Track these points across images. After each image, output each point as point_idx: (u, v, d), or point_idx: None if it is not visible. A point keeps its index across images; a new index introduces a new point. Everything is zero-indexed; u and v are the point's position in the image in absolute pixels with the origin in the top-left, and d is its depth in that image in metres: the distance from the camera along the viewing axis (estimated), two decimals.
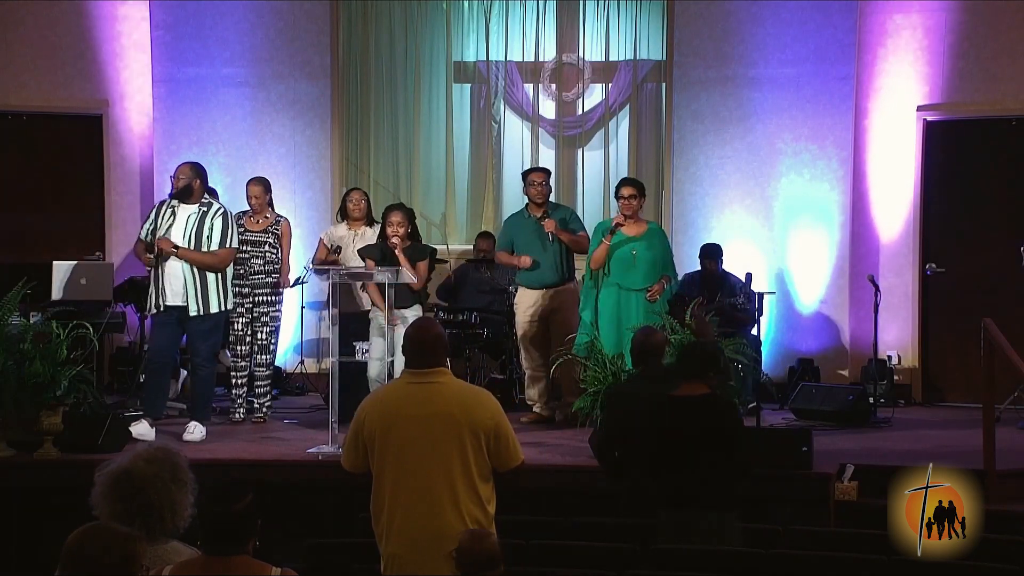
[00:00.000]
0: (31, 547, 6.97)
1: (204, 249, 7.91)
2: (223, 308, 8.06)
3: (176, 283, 7.87)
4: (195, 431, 7.91)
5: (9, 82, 10.65)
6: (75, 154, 10.90)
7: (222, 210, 8.06)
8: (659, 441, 5.56)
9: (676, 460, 5.49)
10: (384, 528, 4.57)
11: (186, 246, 7.89)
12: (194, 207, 7.96)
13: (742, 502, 5.65)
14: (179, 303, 7.88)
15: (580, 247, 8.65)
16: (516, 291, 8.99)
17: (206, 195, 8.13)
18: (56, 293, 9.19)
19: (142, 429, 7.79)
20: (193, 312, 7.90)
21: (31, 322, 7.62)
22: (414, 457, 4.51)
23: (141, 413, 8.21)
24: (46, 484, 7.12)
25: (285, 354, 10.43)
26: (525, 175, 8.99)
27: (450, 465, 4.49)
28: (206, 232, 7.92)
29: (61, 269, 9.32)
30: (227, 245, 8.04)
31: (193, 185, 7.98)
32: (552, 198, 10.63)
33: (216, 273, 7.97)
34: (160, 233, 7.90)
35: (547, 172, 9.05)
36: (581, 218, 9.21)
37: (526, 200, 8.92)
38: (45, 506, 6.99)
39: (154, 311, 7.95)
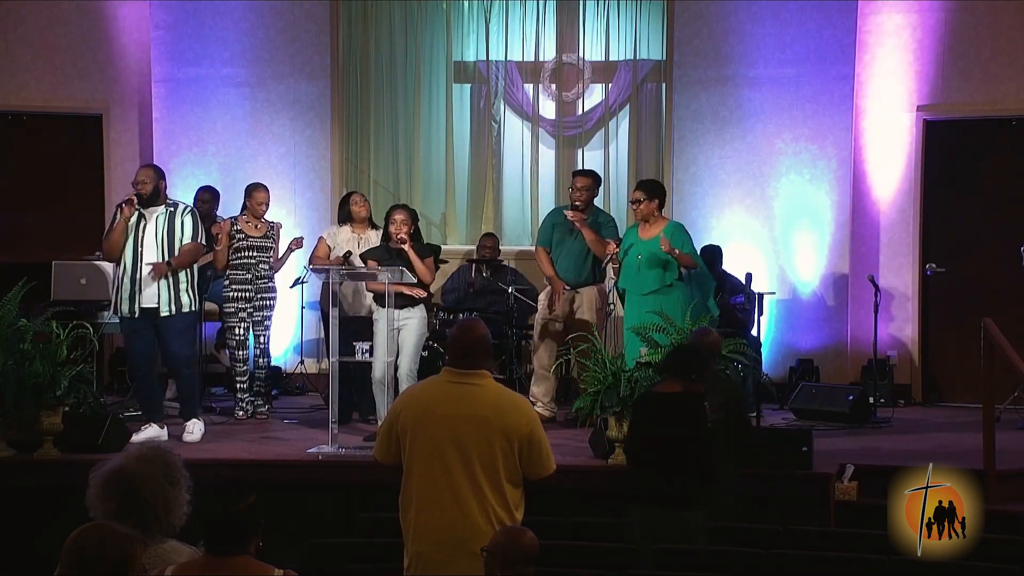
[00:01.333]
0: (31, 547, 6.96)
1: (177, 250, 7.83)
2: (194, 308, 8.00)
3: (150, 285, 7.80)
4: (194, 430, 7.88)
5: (9, 82, 10.65)
6: (75, 154, 10.90)
7: (189, 209, 8.02)
8: (638, 436, 5.60)
9: (650, 456, 5.52)
10: (410, 525, 4.58)
11: (158, 247, 7.80)
12: (161, 208, 7.89)
13: (709, 503, 5.66)
14: (151, 305, 7.80)
15: (599, 250, 8.60)
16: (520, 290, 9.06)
17: (171, 197, 8.08)
18: (56, 293, 9.18)
19: (151, 433, 7.79)
20: (165, 313, 7.80)
21: (30, 322, 7.60)
22: (444, 457, 4.50)
23: (141, 414, 8.23)
24: (46, 484, 7.12)
25: (285, 354, 10.43)
26: (573, 175, 9.01)
27: (479, 467, 4.48)
28: (177, 232, 7.86)
29: (61, 269, 9.31)
30: (196, 240, 7.98)
31: (159, 187, 7.93)
32: (552, 198, 10.69)
33: (187, 272, 7.90)
34: (130, 236, 7.81)
35: (592, 177, 8.90)
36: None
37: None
38: (45, 506, 6.98)
39: (127, 316, 7.85)
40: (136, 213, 7.87)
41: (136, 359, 8.10)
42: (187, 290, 7.90)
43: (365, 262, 8.26)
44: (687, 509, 5.53)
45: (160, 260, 7.81)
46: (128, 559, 3.35)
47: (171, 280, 7.82)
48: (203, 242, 8.17)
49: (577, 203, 8.70)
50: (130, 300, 7.81)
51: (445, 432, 4.51)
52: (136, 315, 7.83)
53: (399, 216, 8.17)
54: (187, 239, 7.90)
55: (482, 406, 4.54)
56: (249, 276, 8.80)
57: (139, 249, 7.81)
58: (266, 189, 9.02)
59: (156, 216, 7.87)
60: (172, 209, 7.93)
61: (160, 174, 8.01)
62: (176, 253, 7.84)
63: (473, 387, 4.58)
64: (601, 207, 9.84)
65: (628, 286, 8.15)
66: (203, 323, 9.48)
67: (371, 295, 8.41)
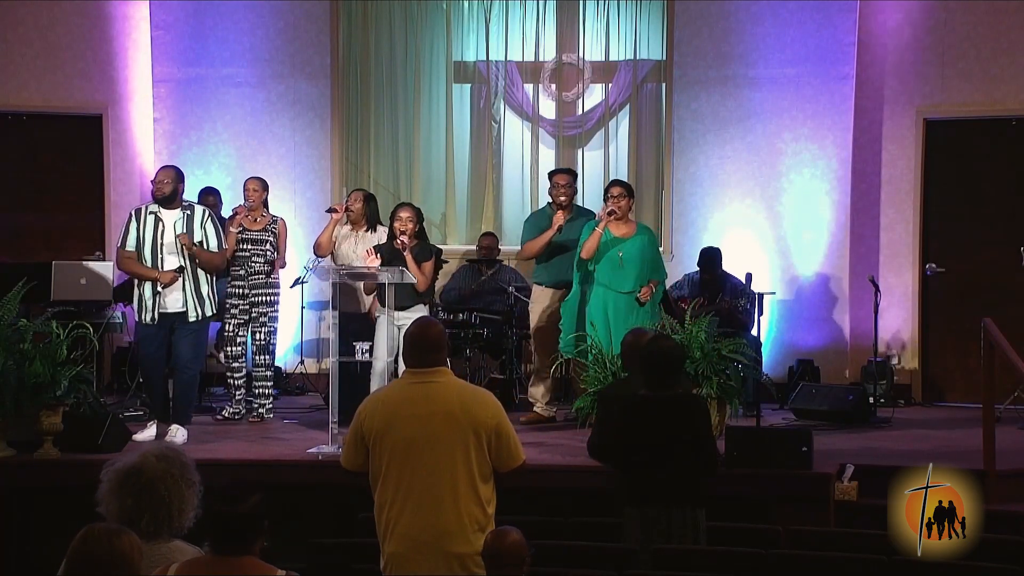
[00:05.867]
0: (31, 547, 6.97)
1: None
2: (212, 311, 8.03)
3: (176, 290, 7.81)
4: (177, 434, 7.83)
5: (9, 82, 10.65)
6: (75, 154, 10.90)
7: (208, 213, 8.03)
8: (631, 439, 5.59)
9: (648, 458, 5.51)
10: (384, 527, 4.57)
11: (177, 252, 7.82)
12: (178, 211, 7.90)
13: (709, 499, 5.67)
14: (178, 309, 7.82)
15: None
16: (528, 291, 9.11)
17: (185, 199, 8.09)
18: (56, 293, 9.18)
19: (151, 432, 7.81)
20: (192, 318, 7.83)
21: (30, 322, 7.59)
22: (415, 456, 4.50)
23: (142, 414, 8.23)
24: (46, 484, 7.12)
25: (285, 354, 10.44)
26: (550, 176, 9.02)
27: (452, 464, 4.49)
28: (196, 236, 7.86)
29: (61, 269, 9.31)
30: (223, 247, 8.07)
31: (178, 189, 7.94)
32: (551, 198, 10.67)
33: (207, 277, 7.93)
34: (148, 240, 7.81)
35: (572, 174, 9.02)
36: None
37: (549, 200, 8.91)
38: (45, 506, 6.99)
39: (148, 322, 7.85)
40: (152, 216, 7.87)
41: (148, 362, 8.07)
42: (208, 294, 7.94)
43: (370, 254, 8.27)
44: (696, 507, 5.53)
45: (180, 264, 7.80)
46: (133, 560, 3.38)
47: (193, 284, 7.84)
48: (226, 246, 8.17)
49: (562, 198, 8.72)
50: (153, 308, 7.81)
51: (415, 432, 4.51)
52: (156, 321, 7.82)
53: (404, 214, 8.22)
54: (213, 246, 7.93)
55: (447, 402, 4.55)
56: (242, 272, 8.78)
57: (159, 254, 7.81)
58: (258, 179, 8.99)
59: (174, 220, 7.87)
60: (189, 212, 7.92)
61: (180, 176, 8.02)
62: (193, 256, 7.84)
63: (435, 384, 4.59)
64: (600, 208, 9.87)
65: (609, 283, 8.18)
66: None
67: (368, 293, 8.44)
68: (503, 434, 4.58)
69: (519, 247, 10.60)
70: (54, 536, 3.62)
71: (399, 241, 8.10)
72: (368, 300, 8.61)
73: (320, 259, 8.98)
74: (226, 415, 8.77)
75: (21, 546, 7.05)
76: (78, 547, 3.38)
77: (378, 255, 8.07)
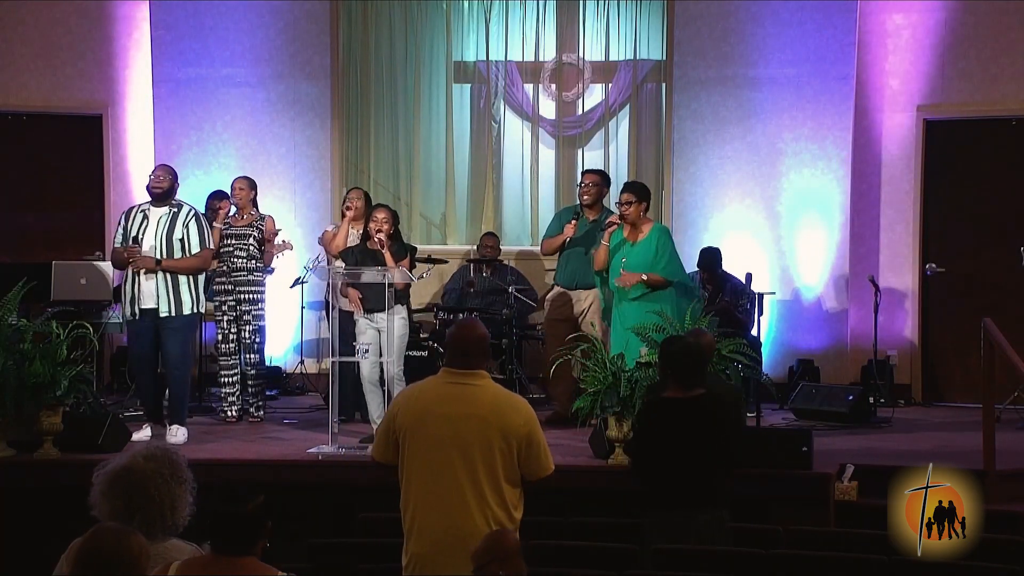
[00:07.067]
0: (30, 547, 6.96)
1: (177, 252, 7.83)
2: (196, 310, 7.98)
3: (148, 285, 7.79)
4: (177, 434, 7.84)
5: (9, 82, 10.66)
6: (75, 154, 10.90)
7: (193, 212, 8.01)
8: (651, 442, 5.58)
9: (670, 461, 5.50)
10: (409, 526, 4.57)
11: (158, 247, 7.80)
12: (165, 209, 7.91)
13: (732, 501, 5.66)
14: (151, 305, 7.80)
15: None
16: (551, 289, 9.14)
17: (176, 199, 8.07)
18: (56, 293, 9.18)
19: (146, 433, 7.81)
20: (164, 313, 7.79)
21: (30, 322, 7.59)
22: (442, 457, 4.49)
23: (141, 414, 8.23)
24: (46, 484, 7.12)
25: (285, 354, 10.43)
26: (581, 175, 9.12)
27: (477, 467, 4.47)
28: (178, 234, 7.85)
29: (61, 269, 9.31)
30: (206, 247, 8.01)
31: (173, 187, 7.98)
32: (552, 198, 10.68)
33: (188, 276, 7.90)
34: (132, 235, 7.83)
35: (599, 175, 9.01)
36: None
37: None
38: (45, 506, 6.98)
39: (130, 317, 7.86)
40: (141, 214, 7.90)
41: (135, 361, 8.13)
42: (189, 290, 7.88)
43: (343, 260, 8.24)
44: (718, 509, 5.52)
45: (153, 256, 7.80)
46: (140, 560, 3.38)
47: (170, 280, 7.82)
48: (210, 245, 8.14)
49: (584, 198, 8.72)
50: (131, 303, 7.83)
51: (444, 432, 4.50)
52: (137, 316, 7.83)
53: (380, 214, 8.09)
54: (195, 246, 7.90)
55: (480, 406, 4.53)
56: (225, 267, 8.78)
57: (138, 247, 7.81)
58: (245, 179, 9.04)
59: (159, 217, 7.87)
60: (175, 210, 7.92)
61: (175, 175, 8.07)
62: (173, 254, 7.82)
63: (471, 387, 4.57)
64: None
65: (616, 291, 8.14)
66: (203, 324, 9.49)
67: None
68: (534, 443, 4.56)
69: (520, 247, 10.68)
70: (54, 536, 3.61)
71: (376, 240, 8.03)
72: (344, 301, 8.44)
73: (320, 259, 8.98)
74: (229, 416, 8.75)
75: (20, 546, 7.04)
76: (86, 546, 3.38)
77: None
